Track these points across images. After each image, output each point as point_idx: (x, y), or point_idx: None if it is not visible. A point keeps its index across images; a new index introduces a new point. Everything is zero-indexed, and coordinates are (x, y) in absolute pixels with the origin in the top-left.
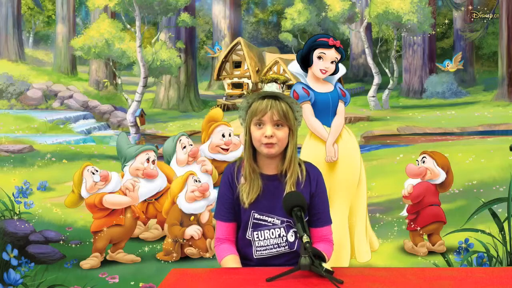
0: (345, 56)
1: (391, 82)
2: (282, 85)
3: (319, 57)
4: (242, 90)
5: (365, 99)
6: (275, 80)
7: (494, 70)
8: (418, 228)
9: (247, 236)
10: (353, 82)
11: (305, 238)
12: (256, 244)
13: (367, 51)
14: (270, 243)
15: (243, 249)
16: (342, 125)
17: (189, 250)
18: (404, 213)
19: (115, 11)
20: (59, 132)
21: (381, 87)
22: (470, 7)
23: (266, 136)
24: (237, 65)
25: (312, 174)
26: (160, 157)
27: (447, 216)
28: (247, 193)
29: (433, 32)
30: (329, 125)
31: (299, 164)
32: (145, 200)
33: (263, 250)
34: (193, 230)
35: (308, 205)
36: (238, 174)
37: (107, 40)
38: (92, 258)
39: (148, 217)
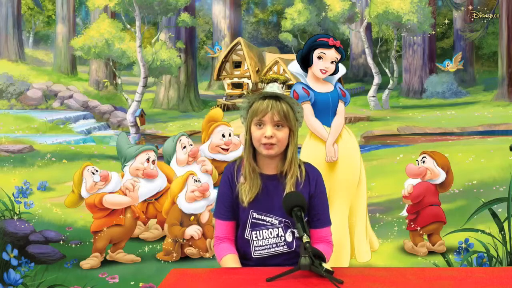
0: (345, 56)
1: (391, 82)
2: (282, 85)
3: (319, 57)
4: (242, 90)
5: (365, 99)
6: (275, 80)
7: (494, 70)
8: (418, 228)
9: (245, 236)
10: (353, 82)
11: (305, 238)
12: (255, 244)
13: (367, 51)
14: (268, 242)
15: (242, 248)
16: (342, 125)
17: (189, 250)
18: (404, 213)
19: (115, 11)
20: (59, 132)
21: (381, 87)
22: (470, 7)
23: (266, 137)
24: (237, 65)
25: (312, 175)
26: (160, 157)
27: (447, 216)
28: (246, 192)
29: (433, 32)
30: (329, 125)
31: (299, 165)
32: (145, 200)
33: (262, 249)
34: (193, 230)
35: (307, 206)
36: (238, 173)
37: (107, 40)
38: (92, 258)
39: (148, 217)
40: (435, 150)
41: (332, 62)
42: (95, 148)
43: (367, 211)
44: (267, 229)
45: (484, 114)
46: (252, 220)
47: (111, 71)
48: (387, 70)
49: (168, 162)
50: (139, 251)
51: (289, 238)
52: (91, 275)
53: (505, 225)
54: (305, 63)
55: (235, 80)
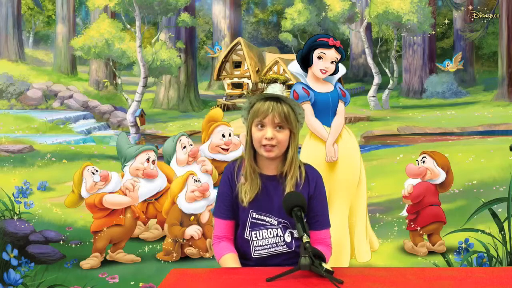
0: (345, 56)
1: (391, 82)
2: (282, 85)
3: (319, 57)
4: (242, 90)
5: (365, 99)
6: (276, 81)
7: (494, 70)
8: (418, 228)
9: (245, 236)
10: (353, 82)
11: (305, 238)
12: (255, 244)
13: (367, 51)
14: (268, 242)
15: (242, 248)
16: (342, 125)
17: (189, 250)
18: (404, 213)
19: (115, 11)
20: (59, 132)
21: (381, 87)
22: (470, 7)
23: (266, 138)
24: (237, 65)
25: (311, 176)
26: (160, 157)
27: (447, 216)
28: (246, 192)
29: (433, 32)
30: (329, 125)
31: (299, 166)
32: (145, 200)
33: (262, 249)
34: (193, 230)
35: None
36: (238, 173)
37: (107, 40)
38: (92, 258)
39: (148, 217)
40: (435, 150)
41: (332, 62)
42: (95, 148)
43: (367, 211)
44: (267, 229)
45: (484, 114)
46: (252, 220)
47: (111, 71)
48: (387, 70)
49: (168, 162)
50: (139, 251)
51: (288, 238)
52: (91, 275)
53: (505, 225)
54: (305, 63)
55: (235, 80)
